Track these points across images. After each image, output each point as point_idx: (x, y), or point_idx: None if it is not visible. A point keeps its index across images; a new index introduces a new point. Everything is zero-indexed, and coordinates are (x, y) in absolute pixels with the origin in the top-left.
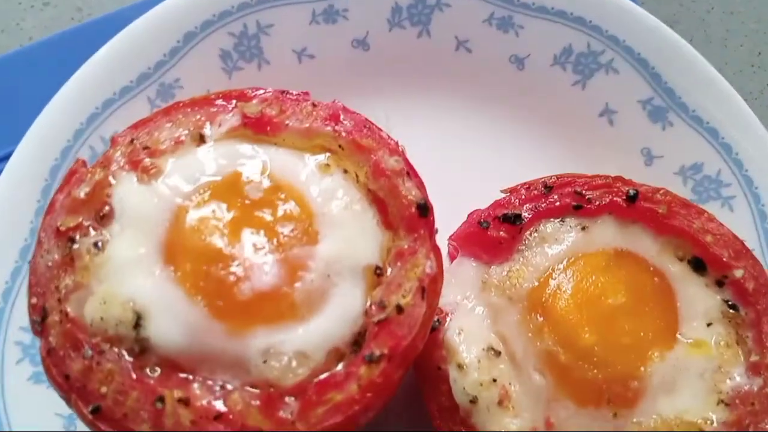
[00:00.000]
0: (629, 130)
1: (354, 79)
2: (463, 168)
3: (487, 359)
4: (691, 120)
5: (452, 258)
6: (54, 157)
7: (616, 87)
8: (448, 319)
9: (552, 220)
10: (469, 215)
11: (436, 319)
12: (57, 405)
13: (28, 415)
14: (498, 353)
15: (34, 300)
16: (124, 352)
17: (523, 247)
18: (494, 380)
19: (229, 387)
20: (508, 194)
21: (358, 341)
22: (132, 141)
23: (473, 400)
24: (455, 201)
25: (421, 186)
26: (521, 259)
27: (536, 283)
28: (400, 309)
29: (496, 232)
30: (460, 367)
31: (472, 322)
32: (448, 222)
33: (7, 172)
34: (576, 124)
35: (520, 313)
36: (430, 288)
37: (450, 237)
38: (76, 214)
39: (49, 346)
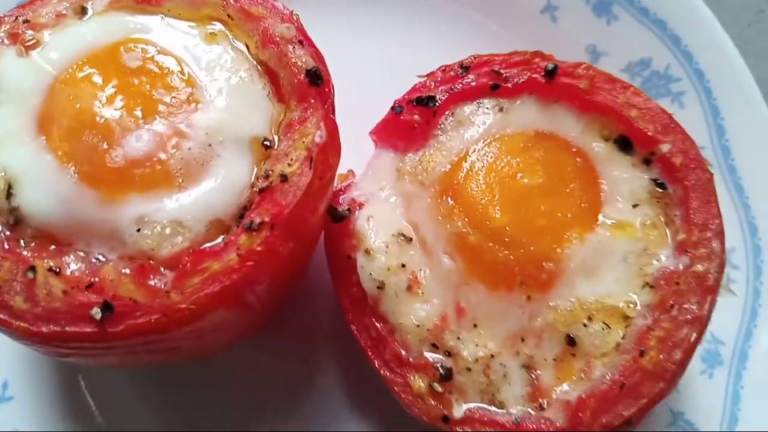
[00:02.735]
0: (573, 27)
1: None
2: (389, 66)
3: (397, 245)
4: (637, 12)
5: None
6: None
7: None
8: (359, 209)
9: (468, 102)
10: (389, 108)
11: (346, 208)
12: None
13: None
14: (409, 240)
15: None
16: None
17: (439, 132)
18: (403, 265)
19: (103, 259)
20: (426, 78)
21: (244, 215)
22: (17, 18)
23: (381, 286)
24: (383, 100)
25: (316, 55)
26: (436, 144)
27: (449, 167)
28: (284, 177)
29: (410, 116)
30: (367, 252)
31: (384, 210)
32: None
33: None
34: (516, 22)
35: (432, 197)
36: (319, 157)
37: (370, 131)
38: None
39: None
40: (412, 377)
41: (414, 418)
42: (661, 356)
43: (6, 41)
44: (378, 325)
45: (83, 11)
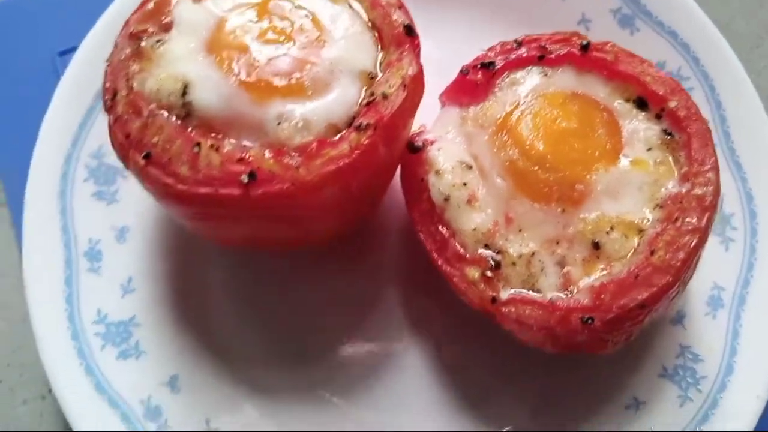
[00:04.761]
0: (602, 36)
1: None
2: (457, 44)
3: (460, 169)
4: (655, 25)
5: None
6: None
7: None
8: (431, 144)
9: (520, 69)
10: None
11: (420, 142)
12: (112, 218)
13: (89, 225)
14: (469, 167)
15: (107, 84)
16: (174, 117)
17: (497, 89)
18: (464, 184)
19: (250, 145)
20: (487, 51)
21: (353, 123)
22: None
23: (447, 198)
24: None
25: (409, 18)
26: (493, 99)
27: (503, 114)
28: (384, 96)
29: (474, 77)
30: (437, 173)
31: (451, 146)
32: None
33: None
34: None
35: (489, 135)
36: (410, 85)
37: (439, 95)
38: (144, 23)
39: (116, 115)
40: (468, 269)
41: (466, 306)
42: (667, 256)
43: None
44: (442, 230)
45: None
